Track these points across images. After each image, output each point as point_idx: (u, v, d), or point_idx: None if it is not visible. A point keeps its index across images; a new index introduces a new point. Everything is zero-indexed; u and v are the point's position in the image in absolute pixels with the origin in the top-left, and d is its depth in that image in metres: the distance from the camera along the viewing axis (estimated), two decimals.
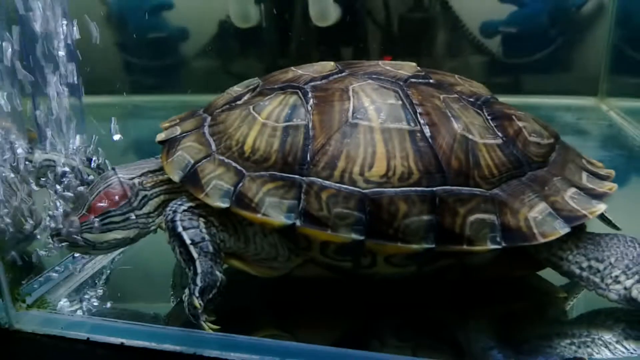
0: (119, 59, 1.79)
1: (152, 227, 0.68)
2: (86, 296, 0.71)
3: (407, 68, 0.70)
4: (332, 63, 0.70)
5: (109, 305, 0.70)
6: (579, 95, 1.71)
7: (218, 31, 1.76)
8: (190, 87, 1.78)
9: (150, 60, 1.83)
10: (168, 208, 0.63)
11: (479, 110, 0.66)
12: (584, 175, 0.68)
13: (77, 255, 0.76)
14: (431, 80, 0.69)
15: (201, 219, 0.62)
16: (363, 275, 0.66)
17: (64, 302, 0.69)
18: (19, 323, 0.63)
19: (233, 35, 1.72)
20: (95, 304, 0.69)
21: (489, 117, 0.66)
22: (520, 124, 0.67)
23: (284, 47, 1.73)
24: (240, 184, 0.61)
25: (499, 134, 0.65)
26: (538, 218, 0.61)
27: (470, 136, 0.63)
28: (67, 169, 0.66)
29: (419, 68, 0.71)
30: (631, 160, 1.26)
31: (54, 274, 0.73)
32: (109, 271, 0.78)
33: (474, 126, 0.64)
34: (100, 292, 0.73)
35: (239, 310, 0.66)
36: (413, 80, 0.67)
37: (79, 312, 0.66)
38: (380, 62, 0.71)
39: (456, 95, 0.67)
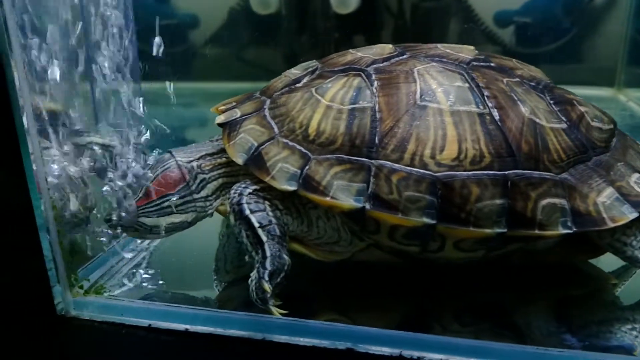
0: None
1: (210, 211, 0.67)
2: (142, 281, 0.69)
3: (466, 51, 0.69)
4: (390, 45, 0.69)
5: (166, 290, 0.68)
6: (595, 86, 1.71)
7: (231, 18, 1.73)
8: (204, 74, 1.76)
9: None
10: (232, 191, 0.62)
11: (541, 95, 0.66)
12: None
13: (131, 239, 0.74)
14: (492, 64, 0.68)
15: (266, 202, 0.61)
16: (428, 259, 0.65)
17: (120, 288, 0.67)
18: (76, 310, 0.62)
19: (251, 21, 1.70)
20: (152, 288, 0.68)
21: (551, 102, 0.66)
22: (582, 108, 0.66)
23: (303, 34, 1.71)
24: (307, 167, 0.60)
25: (563, 118, 0.64)
26: (607, 203, 0.61)
27: (537, 120, 0.62)
28: (124, 152, 0.64)
29: (477, 51, 0.70)
30: None
31: (108, 259, 0.71)
32: (156, 255, 0.76)
33: (540, 110, 0.63)
34: (154, 276, 0.71)
35: (297, 295, 0.65)
36: (475, 63, 0.67)
37: (137, 298, 0.65)
38: (439, 45, 0.70)
39: (518, 79, 0.66)
